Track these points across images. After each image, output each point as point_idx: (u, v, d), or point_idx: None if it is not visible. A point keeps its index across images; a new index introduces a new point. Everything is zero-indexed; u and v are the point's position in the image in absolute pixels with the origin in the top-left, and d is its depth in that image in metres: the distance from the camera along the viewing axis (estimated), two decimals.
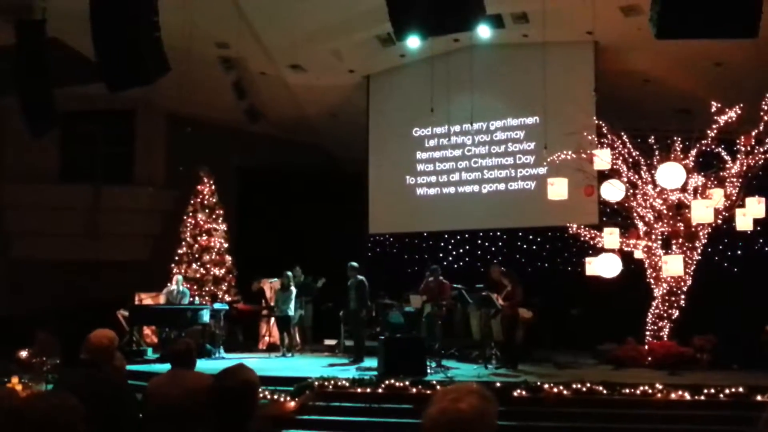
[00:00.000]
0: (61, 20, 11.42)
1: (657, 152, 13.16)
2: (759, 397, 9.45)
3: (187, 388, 4.79)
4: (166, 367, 5.22)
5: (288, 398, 10.08)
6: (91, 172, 19.39)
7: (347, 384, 10.48)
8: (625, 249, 13.42)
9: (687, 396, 9.82)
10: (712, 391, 9.76)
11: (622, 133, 13.44)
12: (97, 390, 4.26)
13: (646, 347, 13.03)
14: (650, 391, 9.97)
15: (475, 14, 7.76)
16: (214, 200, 17.41)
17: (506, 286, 12.80)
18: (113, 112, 18.98)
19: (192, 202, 17.28)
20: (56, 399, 2.54)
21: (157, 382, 5.04)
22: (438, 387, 10.25)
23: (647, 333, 13.30)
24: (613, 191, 13.14)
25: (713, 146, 13.09)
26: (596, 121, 14.00)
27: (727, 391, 9.69)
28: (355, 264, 13.64)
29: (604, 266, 12.70)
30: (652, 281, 13.47)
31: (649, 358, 12.65)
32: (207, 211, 17.23)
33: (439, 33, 9.42)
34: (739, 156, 12.99)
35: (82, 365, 4.95)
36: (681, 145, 13.18)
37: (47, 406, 2.47)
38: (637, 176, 13.48)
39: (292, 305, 14.60)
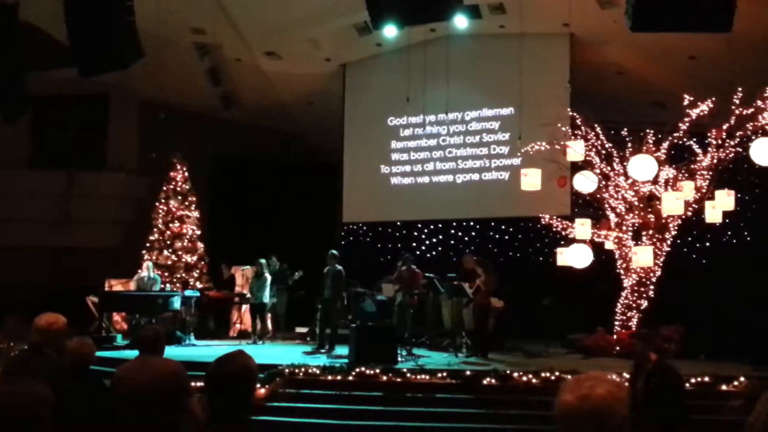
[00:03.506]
0: (34, 4, 11.27)
1: (629, 144, 13.27)
2: (724, 387, 9.59)
3: (156, 373, 4.78)
4: (136, 353, 5.20)
5: (258, 385, 10.07)
6: (63, 157, 19.17)
7: (318, 371, 10.50)
8: (597, 240, 13.53)
9: None
10: None
11: (596, 125, 13.54)
12: (37, 373, 4.26)
13: (615, 337, 13.17)
14: (618, 380, 10.06)
15: (453, 4, 7.77)
16: (187, 187, 17.29)
17: (479, 275, 12.86)
18: (86, 97, 18.73)
19: (164, 188, 17.16)
20: (22, 386, 2.48)
21: (125, 368, 5.03)
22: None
23: (616, 323, 13.44)
24: (585, 182, 13.25)
25: (685, 139, 13.22)
26: (570, 113, 14.09)
27: (693, 380, 9.80)
28: (335, 252, 13.60)
29: (575, 256, 12.81)
30: (622, 272, 13.61)
31: (618, 348, 12.79)
32: (179, 197, 17.12)
33: (416, 22, 9.42)
34: (710, 149, 13.13)
35: (30, 349, 4.96)
36: (653, 138, 13.30)
37: (12, 393, 2.42)
38: (609, 168, 13.59)
39: (267, 292, 14.58)
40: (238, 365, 2.99)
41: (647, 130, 13.37)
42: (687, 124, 13.01)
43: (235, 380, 2.94)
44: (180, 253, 16.74)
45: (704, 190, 13.03)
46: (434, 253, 17.40)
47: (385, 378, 10.29)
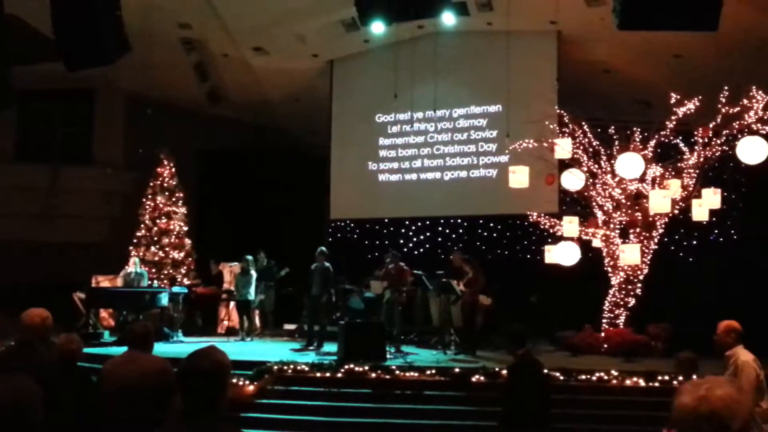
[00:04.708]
0: None
1: (617, 142, 13.30)
2: None
3: (143, 370, 4.76)
4: (123, 350, 5.18)
5: (247, 382, 10.05)
6: (48, 152, 19.07)
7: (307, 368, 10.50)
8: (584, 237, 13.56)
9: (641, 382, 9.99)
10: (666, 377, 9.93)
11: (583, 123, 13.56)
12: (25, 368, 4.23)
13: (603, 334, 13.20)
14: (606, 377, 10.13)
15: (440, 1, 7.75)
16: (174, 183, 17.24)
17: (468, 272, 12.87)
18: (72, 91, 18.63)
19: (151, 184, 17.11)
20: (14, 381, 2.48)
21: (113, 363, 5.01)
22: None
23: (604, 320, 13.47)
24: (573, 180, 13.26)
25: (671, 137, 13.26)
26: (558, 111, 14.11)
27: (680, 378, 9.82)
28: (324, 249, 13.59)
29: (563, 254, 12.82)
30: (609, 270, 13.64)
31: (605, 345, 12.82)
32: (167, 193, 17.07)
33: (403, 19, 9.39)
34: (696, 147, 13.18)
35: (16, 344, 4.92)
36: (640, 136, 13.33)
37: (6, 389, 2.42)
38: (596, 166, 13.61)
39: (252, 289, 14.55)
40: (210, 361, 2.95)
41: (634, 128, 13.41)
42: (674, 123, 13.05)
43: (207, 376, 2.91)
44: (167, 249, 16.70)
45: (691, 189, 13.08)
46: (422, 250, 17.39)
47: (373, 375, 10.31)
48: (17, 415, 2.38)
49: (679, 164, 13.34)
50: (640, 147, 13.21)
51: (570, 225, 13.23)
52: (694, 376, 6.87)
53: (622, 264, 13.12)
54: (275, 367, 10.45)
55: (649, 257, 13.43)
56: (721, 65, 13.30)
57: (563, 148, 13.02)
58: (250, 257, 14.78)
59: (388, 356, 11.48)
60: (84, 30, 8.15)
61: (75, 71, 9.16)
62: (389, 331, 12.50)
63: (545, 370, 7.11)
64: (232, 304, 15.67)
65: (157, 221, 16.86)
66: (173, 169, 17.26)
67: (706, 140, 13.03)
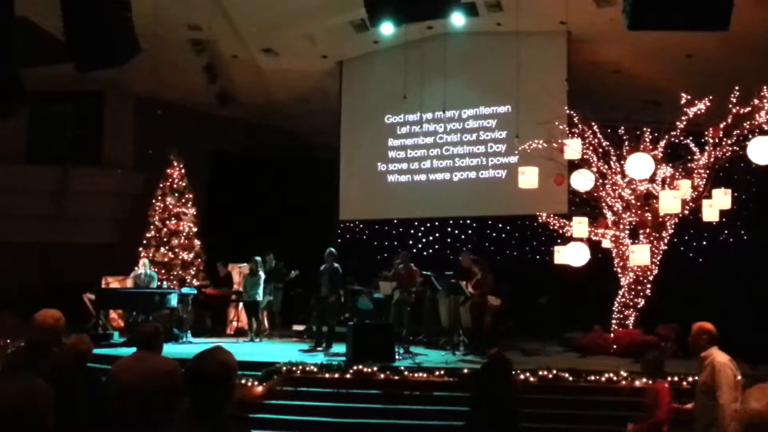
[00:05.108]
0: None
1: (627, 143, 13.27)
2: None
3: (151, 370, 4.77)
4: (133, 350, 5.19)
5: (256, 383, 10.07)
6: (59, 153, 19.14)
7: (315, 369, 10.51)
8: (594, 238, 13.53)
9: (650, 383, 9.93)
10: (675, 378, 9.88)
11: (593, 123, 13.52)
12: (38, 369, 4.24)
13: (612, 335, 13.17)
14: (615, 378, 10.11)
15: (450, 2, 7.74)
16: (184, 184, 17.28)
17: (476, 273, 12.85)
18: (82, 93, 18.72)
19: (161, 185, 17.15)
20: (26, 382, 2.49)
21: (121, 363, 5.02)
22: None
23: (613, 321, 13.44)
24: (582, 181, 13.23)
25: (682, 138, 13.21)
26: (568, 111, 14.07)
27: (690, 378, 9.82)
28: (333, 250, 13.60)
29: (572, 255, 12.79)
30: (619, 270, 13.61)
31: (615, 346, 12.80)
32: (176, 194, 17.10)
33: (413, 20, 9.38)
34: (707, 148, 13.13)
35: (29, 345, 4.93)
36: (650, 136, 13.29)
37: (17, 390, 2.43)
38: (606, 166, 13.58)
39: (260, 290, 14.56)
40: (215, 362, 2.95)
41: (644, 129, 13.37)
42: (684, 123, 13.00)
43: (212, 377, 2.91)
44: (177, 250, 16.73)
45: (701, 189, 13.03)
46: (431, 251, 17.39)
47: (382, 376, 10.32)
48: (29, 416, 2.39)
49: (689, 164, 13.29)
50: (650, 147, 13.17)
51: (579, 226, 13.19)
52: (667, 378, 6.87)
53: (632, 264, 13.08)
54: (284, 368, 10.47)
55: (658, 258, 13.39)
56: (732, 65, 13.27)
57: (573, 148, 13.00)
58: (258, 258, 14.80)
59: (396, 357, 11.48)
60: (94, 32, 8.17)
61: (85, 73, 9.20)
62: (398, 332, 12.50)
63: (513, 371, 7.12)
64: (241, 305, 15.70)
65: (167, 222, 16.90)
66: (183, 170, 17.31)
67: (717, 140, 12.98)
